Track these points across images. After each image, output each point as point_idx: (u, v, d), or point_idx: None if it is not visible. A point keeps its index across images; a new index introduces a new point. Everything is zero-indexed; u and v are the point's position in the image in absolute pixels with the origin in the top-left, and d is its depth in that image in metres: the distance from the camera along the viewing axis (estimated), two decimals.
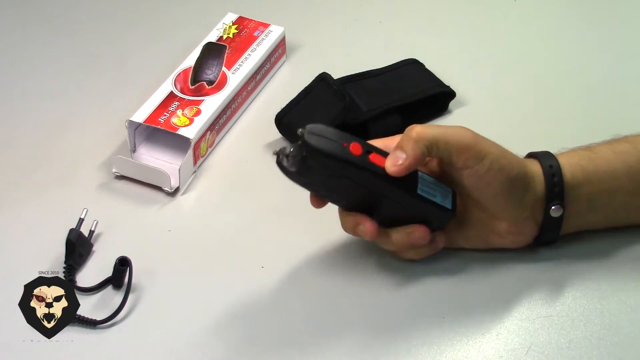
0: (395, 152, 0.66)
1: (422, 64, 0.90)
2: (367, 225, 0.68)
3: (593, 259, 0.72)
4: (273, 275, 0.73)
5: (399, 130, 0.84)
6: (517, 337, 0.67)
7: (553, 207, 0.68)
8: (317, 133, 0.63)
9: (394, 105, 0.84)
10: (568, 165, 0.69)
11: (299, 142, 0.63)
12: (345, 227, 0.70)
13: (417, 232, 0.68)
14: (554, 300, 0.69)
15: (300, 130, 0.63)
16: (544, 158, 0.70)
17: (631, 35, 0.98)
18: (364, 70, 0.88)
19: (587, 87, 0.91)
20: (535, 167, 0.69)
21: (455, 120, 0.87)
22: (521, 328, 0.68)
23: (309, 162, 0.64)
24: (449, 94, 0.88)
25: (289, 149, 0.64)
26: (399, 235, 0.69)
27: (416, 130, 0.66)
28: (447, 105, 0.88)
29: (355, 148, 0.64)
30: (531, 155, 0.72)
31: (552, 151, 0.71)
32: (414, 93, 0.86)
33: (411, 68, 0.89)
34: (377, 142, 0.68)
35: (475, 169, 0.66)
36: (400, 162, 0.65)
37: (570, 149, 0.72)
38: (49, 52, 0.98)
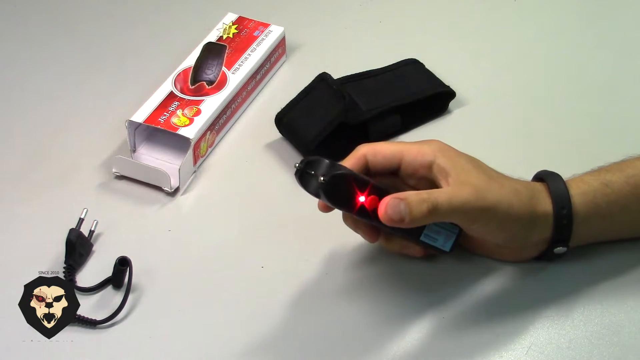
0: (399, 205, 0.62)
1: (422, 64, 0.90)
2: (368, 233, 0.69)
3: (593, 259, 0.72)
4: (273, 275, 0.73)
5: (399, 130, 0.85)
6: (517, 337, 0.67)
7: (557, 248, 0.68)
8: (334, 184, 0.63)
9: (394, 105, 0.84)
10: (583, 205, 0.67)
11: (321, 179, 0.63)
12: (346, 222, 0.70)
13: (411, 250, 0.71)
14: (553, 300, 0.69)
15: (322, 179, 0.63)
16: (558, 196, 0.66)
17: (631, 34, 0.98)
18: (364, 70, 0.88)
19: (587, 86, 0.91)
20: (546, 207, 0.66)
21: (455, 120, 0.87)
22: (521, 328, 0.68)
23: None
24: (449, 94, 0.88)
25: (318, 170, 0.63)
26: (396, 246, 0.70)
27: (422, 196, 0.62)
28: (447, 105, 0.88)
29: (369, 202, 0.64)
30: (542, 179, 0.69)
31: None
32: (413, 93, 0.86)
33: (411, 68, 0.89)
34: (377, 147, 0.67)
35: (482, 230, 0.66)
36: (398, 219, 0.62)
37: (585, 177, 0.69)
38: (49, 52, 0.98)
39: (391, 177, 0.69)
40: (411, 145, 0.68)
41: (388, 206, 0.62)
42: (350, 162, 0.67)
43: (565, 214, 0.66)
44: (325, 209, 0.68)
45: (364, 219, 0.65)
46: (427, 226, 0.68)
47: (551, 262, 0.71)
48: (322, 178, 0.63)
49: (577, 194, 0.67)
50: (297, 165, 0.64)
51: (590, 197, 0.67)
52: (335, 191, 0.63)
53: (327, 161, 0.64)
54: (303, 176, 0.64)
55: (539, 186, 0.68)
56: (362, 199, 0.64)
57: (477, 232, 0.67)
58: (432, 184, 0.67)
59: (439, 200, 0.62)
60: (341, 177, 0.64)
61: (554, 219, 0.66)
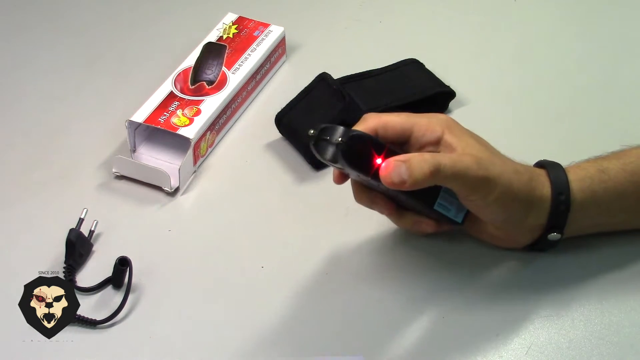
0: (401, 167, 0.62)
1: (422, 64, 0.90)
2: (384, 205, 0.69)
3: (593, 259, 0.72)
4: (273, 275, 0.73)
5: None
6: (517, 337, 0.67)
7: (552, 234, 0.68)
8: (351, 145, 0.63)
9: (394, 105, 0.84)
10: (580, 192, 0.67)
11: (339, 140, 0.63)
12: (359, 199, 0.69)
13: (424, 225, 0.70)
14: (554, 300, 0.69)
15: (340, 139, 0.62)
16: (557, 181, 0.67)
17: (631, 34, 0.98)
18: (364, 70, 0.88)
19: (587, 86, 0.91)
20: (544, 191, 0.67)
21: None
22: (521, 328, 0.68)
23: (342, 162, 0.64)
24: (449, 94, 0.88)
25: (334, 135, 0.63)
26: (408, 221, 0.70)
27: (425, 156, 0.63)
28: (447, 105, 0.88)
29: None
30: (543, 166, 0.69)
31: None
32: (413, 93, 0.86)
33: (411, 68, 0.89)
34: (387, 120, 0.67)
35: (480, 202, 0.66)
36: (399, 182, 0.62)
37: (583, 164, 0.69)
38: (49, 52, 0.98)
39: (398, 146, 0.68)
40: (420, 119, 0.68)
41: (389, 168, 0.62)
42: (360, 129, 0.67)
43: (563, 199, 0.67)
44: (340, 179, 0.68)
45: (378, 184, 0.64)
46: (441, 194, 0.67)
47: (551, 262, 0.71)
48: (340, 139, 0.62)
49: (575, 180, 0.67)
50: (311, 132, 0.64)
51: (587, 183, 0.67)
52: (353, 153, 0.63)
53: (341, 127, 0.63)
54: (318, 143, 0.64)
55: (539, 171, 0.69)
56: (379, 161, 0.63)
57: (476, 205, 0.66)
58: None
59: (442, 162, 0.62)
60: (359, 138, 0.63)
61: (552, 204, 0.67)
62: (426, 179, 0.62)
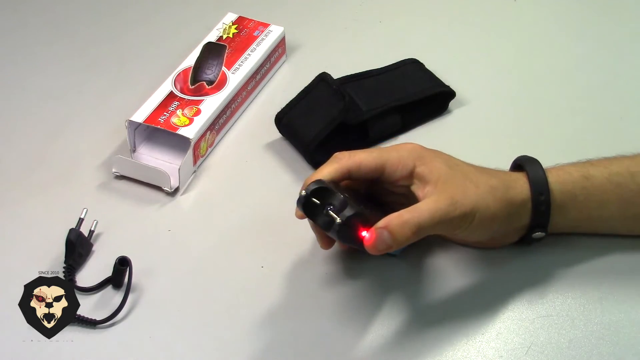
0: (383, 234, 0.63)
1: (422, 63, 0.90)
2: (326, 241, 0.70)
3: (594, 259, 0.72)
4: (273, 275, 0.73)
5: (399, 130, 0.85)
6: (517, 337, 0.67)
7: (536, 233, 0.69)
8: (349, 225, 0.64)
9: (394, 105, 0.84)
10: (560, 193, 0.68)
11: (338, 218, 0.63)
12: (327, 246, 0.71)
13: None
14: (554, 300, 0.69)
15: (337, 220, 0.63)
16: (536, 182, 0.67)
17: (631, 34, 0.98)
18: (364, 70, 0.88)
19: (587, 86, 0.91)
20: (523, 195, 0.67)
21: (455, 120, 0.87)
22: (521, 328, 0.68)
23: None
24: (449, 94, 0.88)
25: (328, 203, 0.64)
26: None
27: (404, 219, 0.63)
28: (447, 104, 0.88)
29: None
30: (521, 167, 0.70)
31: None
32: (413, 93, 0.86)
33: (411, 68, 0.89)
34: (360, 160, 0.67)
35: (463, 233, 0.66)
36: (385, 248, 0.63)
37: (567, 167, 0.70)
38: (49, 52, 0.98)
39: (370, 182, 0.70)
40: (391, 154, 0.68)
41: (373, 238, 0.63)
42: (332, 174, 0.67)
43: (543, 200, 0.67)
44: (328, 245, 0.70)
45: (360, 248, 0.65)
46: None
47: (551, 262, 0.71)
48: (338, 220, 0.63)
49: (556, 182, 0.68)
50: (302, 193, 0.64)
51: (568, 186, 0.68)
52: (347, 231, 0.64)
53: (337, 194, 0.64)
54: (309, 206, 0.65)
55: (516, 175, 0.69)
56: (364, 233, 0.64)
57: (460, 236, 0.68)
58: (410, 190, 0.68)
59: (421, 219, 0.63)
60: (353, 216, 0.63)
61: (533, 205, 0.67)
62: (410, 239, 0.63)
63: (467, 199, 0.65)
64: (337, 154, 0.69)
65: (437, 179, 0.65)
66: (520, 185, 0.68)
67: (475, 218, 0.65)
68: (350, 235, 0.64)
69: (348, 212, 0.63)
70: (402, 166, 0.67)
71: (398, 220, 0.63)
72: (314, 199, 0.64)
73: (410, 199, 0.67)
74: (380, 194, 0.71)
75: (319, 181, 0.65)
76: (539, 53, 0.96)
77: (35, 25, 1.02)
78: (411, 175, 0.67)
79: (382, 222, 0.63)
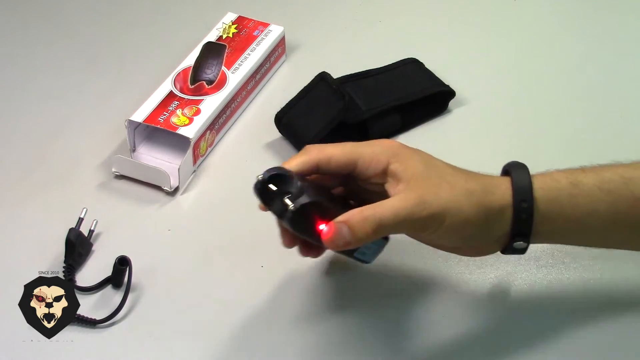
0: (342, 228, 0.60)
1: (421, 63, 0.90)
2: (305, 249, 0.67)
3: (594, 259, 0.72)
4: (273, 275, 0.73)
5: (399, 129, 0.85)
6: (518, 337, 0.67)
7: (517, 242, 0.64)
8: (301, 214, 0.61)
9: (394, 105, 0.84)
10: (545, 202, 0.63)
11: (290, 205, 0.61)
12: (283, 240, 0.67)
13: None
14: (553, 300, 0.69)
15: (291, 206, 0.60)
16: (519, 189, 0.63)
17: (631, 34, 0.98)
18: (364, 69, 0.88)
19: (586, 86, 0.91)
20: (503, 201, 0.63)
21: (455, 120, 0.87)
22: (521, 328, 0.68)
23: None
24: (449, 93, 0.88)
25: (285, 189, 0.61)
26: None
27: (365, 214, 0.60)
28: (447, 104, 0.88)
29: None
30: (507, 172, 0.65)
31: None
32: (413, 92, 0.86)
33: (411, 67, 0.90)
34: (331, 154, 0.64)
35: (431, 236, 0.63)
36: (343, 244, 0.60)
37: (555, 174, 0.65)
38: (49, 52, 0.98)
39: (343, 177, 0.67)
40: (364, 150, 0.65)
41: (331, 232, 0.60)
42: (299, 166, 0.64)
43: (525, 207, 0.63)
44: (291, 243, 0.66)
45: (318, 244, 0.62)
46: (362, 246, 0.65)
47: (550, 262, 0.71)
48: (291, 206, 0.60)
49: (542, 189, 0.63)
50: (259, 177, 0.62)
51: (554, 194, 0.63)
52: (302, 220, 0.61)
53: (294, 177, 0.61)
54: (264, 191, 0.62)
55: (500, 180, 0.65)
56: (322, 226, 0.61)
57: (429, 239, 0.64)
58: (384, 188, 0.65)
59: (384, 216, 0.60)
60: (310, 205, 0.61)
61: (514, 212, 0.63)
62: (370, 236, 0.60)
63: (438, 200, 0.61)
64: (308, 147, 0.66)
65: (411, 177, 0.62)
66: (502, 190, 0.64)
67: (445, 221, 0.61)
68: (306, 227, 0.62)
69: (304, 200, 0.60)
70: (375, 163, 0.64)
71: (359, 216, 0.60)
72: (271, 186, 0.62)
73: (385, 198, 0.63)
74: (356, 192, 0.68)
75: (277, 168, 0.62)
76: (539, 53, 0.96)
77: (35, 26, 1.02)
78: (385, 173, 0.64)
79: (342, 217, 0.60)
